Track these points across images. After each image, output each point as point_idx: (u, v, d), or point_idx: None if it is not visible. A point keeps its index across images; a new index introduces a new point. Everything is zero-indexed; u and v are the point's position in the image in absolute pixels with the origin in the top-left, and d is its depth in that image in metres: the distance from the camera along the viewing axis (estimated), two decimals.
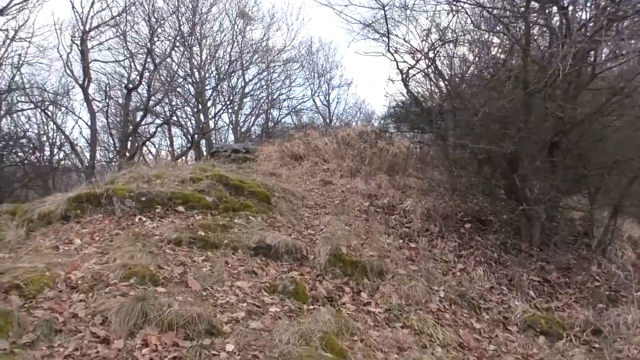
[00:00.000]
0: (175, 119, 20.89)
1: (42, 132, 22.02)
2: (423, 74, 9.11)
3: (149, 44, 17.21)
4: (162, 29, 19.16)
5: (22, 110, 19.22)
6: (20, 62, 18.60)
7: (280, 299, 4.28)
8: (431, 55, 9.17)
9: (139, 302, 3.32)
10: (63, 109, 20.82)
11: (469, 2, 7.25)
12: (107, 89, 17.75)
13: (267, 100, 23.61)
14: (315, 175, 10.13)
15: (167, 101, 20.14)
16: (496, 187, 7.55)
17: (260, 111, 23.55)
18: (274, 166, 11.89)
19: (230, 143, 14.76)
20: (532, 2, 6.51)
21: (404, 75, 9.27)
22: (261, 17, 23.12)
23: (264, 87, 23.60)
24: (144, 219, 5.17)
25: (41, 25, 31.66)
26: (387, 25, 8.70)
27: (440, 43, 8.97)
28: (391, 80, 9.61)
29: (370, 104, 34.09)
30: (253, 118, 23.64)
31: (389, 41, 8.83)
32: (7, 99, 18.83)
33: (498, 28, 8.16)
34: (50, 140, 23.58)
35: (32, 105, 19.17)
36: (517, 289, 6.07)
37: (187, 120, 22.22)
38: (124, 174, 6.55)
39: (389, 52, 9.01)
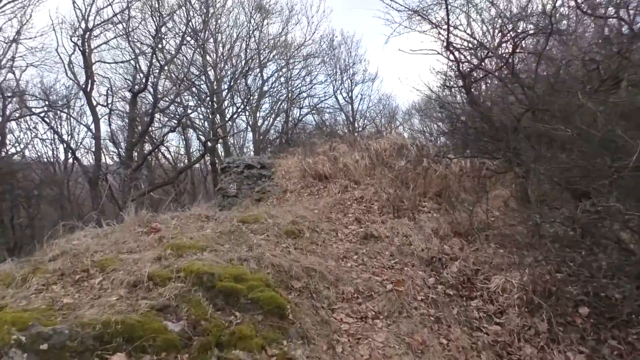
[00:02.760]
0: (189, 122, 18.28)
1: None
2: (495, 78, 6.22)
3: (154, 42, 14.53)
4: (173, 23, 16.49)
5: (23, 116, 16.73)
6: (18, 65, 16.25)
7: None
8: (504, 51, 6.32)
9: None
10: (73, 113, 18.43)
11: None
12: (109, 92, 15.14)
13: (286, 99, 20.81)
14: (348, 210, 7.38)
15: (179, 102, 17.52)
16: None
17: (280, 110, 20.79)
18: (296, 194, 9.18)
19: (243, 157, 12.05)
20: None
21: (466, 80, 6.39)
22: (279, 9, 20.26)
23: (283, 84, 20.85)
24: None
25: (42, 27, 29.54)
26: (447, 7, 5.82)
27: (517, 35, 6.05)
28: (447, 85, 6.76)
29: (395, 98, 30.89)
30: (272, 118, 20.88)
31: (448, 32, 5.96)
32: (10, 103, 16.47)
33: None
34: (64, 145, 21.30)
35: (35, 111, 16.71)
36: None
37: (204, 121, 19.61)
38: (54, 257, 3.86)
39: (449, 48, 6.14)
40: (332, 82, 21.65)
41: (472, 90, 6.45)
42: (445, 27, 6.12)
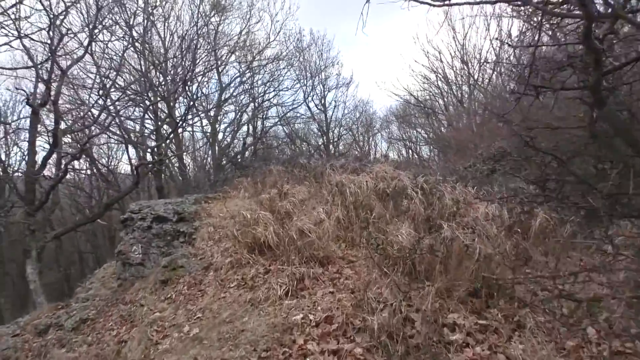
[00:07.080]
0: (127, 136, 13.57)
1: None
2: None
3: (50, 41, 9.81)
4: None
5: None
6: None
7: None
8: None
9: None
10: None
11: None
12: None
13: (251, 108, 16.28)
14: None
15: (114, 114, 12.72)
16: None
17: (241, 122, 16.21)
18: (218, 283, 4.80)
19: (155, 201, 7.48)
20: None
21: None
22: (237, 5, 15.74)
23: (247, 91, 16.25)
24: None
25: None
26: None
27: None
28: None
29: (372, 103, 26.45)
30: (233, 132, 16.21)
31: None
32: None
33: None
34: None
35: None
36: None
37: (143, 136, 14.85)
38: None
39: None
40: (302, 87, 17.14)
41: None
42: None
